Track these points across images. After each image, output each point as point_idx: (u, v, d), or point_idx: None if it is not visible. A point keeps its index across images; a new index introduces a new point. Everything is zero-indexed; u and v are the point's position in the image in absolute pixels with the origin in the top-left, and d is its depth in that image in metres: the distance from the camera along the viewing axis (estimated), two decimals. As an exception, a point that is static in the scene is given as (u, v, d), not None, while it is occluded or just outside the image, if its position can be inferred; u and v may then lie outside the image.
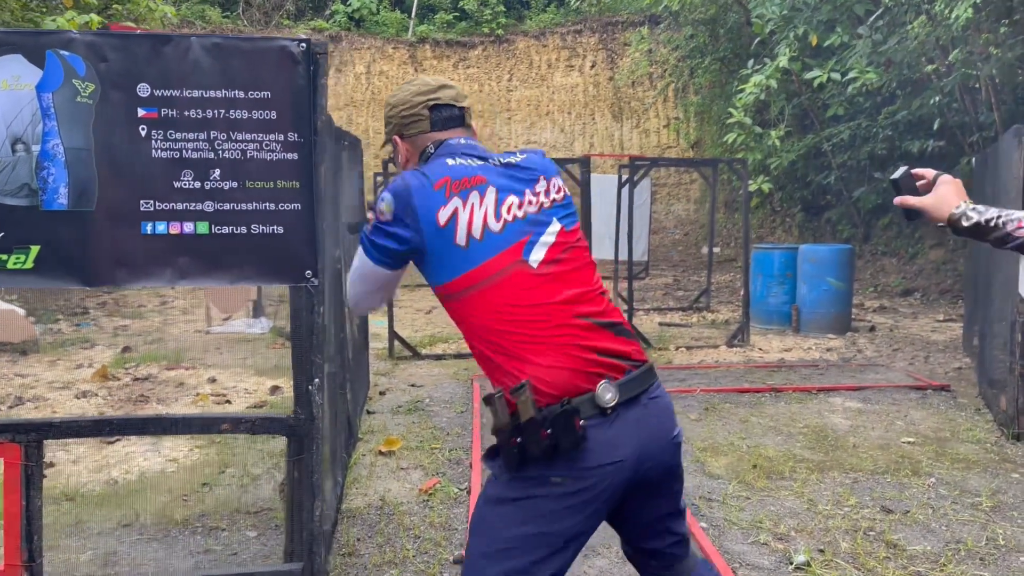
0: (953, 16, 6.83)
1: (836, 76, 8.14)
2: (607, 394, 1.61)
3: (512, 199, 1.72)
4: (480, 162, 1.75)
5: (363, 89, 22.37)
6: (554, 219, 1.74)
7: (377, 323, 9.03)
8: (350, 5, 22.98)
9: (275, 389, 6.27)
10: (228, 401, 5.96)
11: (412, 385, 6.42)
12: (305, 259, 2.25)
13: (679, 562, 1.82)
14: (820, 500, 3.87)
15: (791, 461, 4.44)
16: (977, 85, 9.87)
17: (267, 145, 2.07)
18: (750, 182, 9.36)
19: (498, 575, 1.60)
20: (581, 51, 23.24)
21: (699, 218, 21.42)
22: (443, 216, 1.66)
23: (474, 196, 1.68)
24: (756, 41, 9.27)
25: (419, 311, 10.46)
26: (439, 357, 7.46)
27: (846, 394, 5.95)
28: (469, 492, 3.97)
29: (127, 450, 4.73)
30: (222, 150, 2.04)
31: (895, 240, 12.90)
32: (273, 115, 2.07)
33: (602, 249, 12.10)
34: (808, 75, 8.17)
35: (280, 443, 3.58)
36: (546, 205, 1.75)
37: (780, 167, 8.11)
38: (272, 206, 2.12)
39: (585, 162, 7.44)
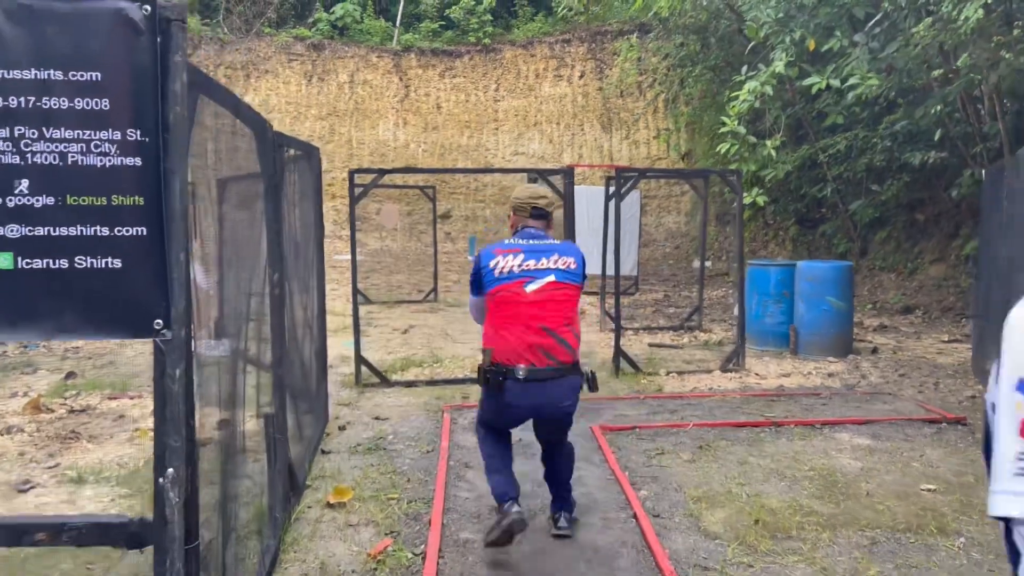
0: (962, 18, 6.36)
1: (836, 83, 7.64)
2: (519, 372, 3.24)
3: (530, 261, 3.34)
4: (524, 242, 3.41)
5: (346, 99, 21.82)
6: (551, 275, 3.32)
7: (345, 344, 8.44)
8: (333, 13, 22.48)
9: (223, 424, 5.66)
10: (169, 438, 5.35)
11: (377, 418, 5.83)
12: (152, 304, 1.67)
13: (554, 449, 3.57)
14: (836, 568, 3.31)
15: (798, 515, 3.88)
16: (980, 94, 9.40)
17: (97, 146, 1.50)
18: (744, 194, 8.85)
19: (481, 416, 3.59)
20: (569, 61, 22.79)
21: (690, 231, 20.94)
22: (492, 263, 3.38)
23: (510, 256, 3.37)
24: (750, 46, 8.79)
25: (395, 330, 9.88)
26: (410, 384, 6.87)
27: (854, 429, 5.40)
28: (424, 558, 3.38)
29: None
30: (31, 153, 1.47)
31: (893, 255, 12.41)
32: (105, 104, 1.50)
33: (589, 263, 11.57)
34: (806, 82, 7.69)
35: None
36: (550, 267, 3.33)
37: (776, 179, 7.65)
38: (105, 231, 1.54)
39: (569, 173, 6.89)
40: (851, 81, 7.42)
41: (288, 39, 21.86)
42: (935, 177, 10.98)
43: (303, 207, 6.22)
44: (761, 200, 8.03)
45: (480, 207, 22.04)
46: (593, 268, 11.43)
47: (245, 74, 21.56)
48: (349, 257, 13.04)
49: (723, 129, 8.34)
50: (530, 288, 3.27)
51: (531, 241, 3.39)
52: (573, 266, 3.36)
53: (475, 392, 6.24)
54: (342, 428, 5.57)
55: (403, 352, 8.42)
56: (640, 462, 4.76)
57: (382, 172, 6.69)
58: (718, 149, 8.66)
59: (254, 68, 21.65)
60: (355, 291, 6.89)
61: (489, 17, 22.50)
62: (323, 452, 5.02)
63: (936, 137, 9.48)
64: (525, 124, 22.36)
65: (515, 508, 3.27)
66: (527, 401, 3.28)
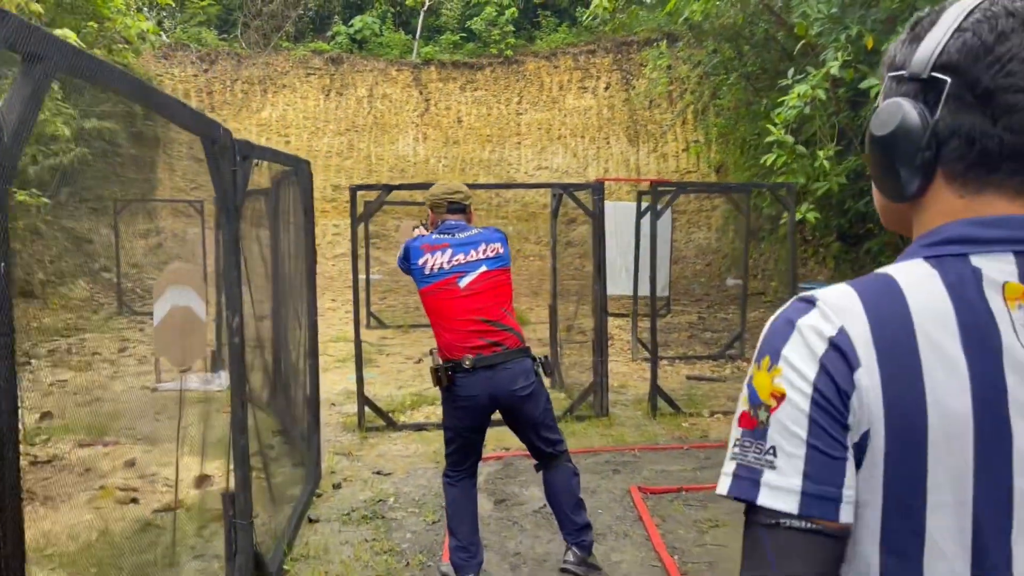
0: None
1: (898, 84, 6.81)
2: (466, 362, 3.26)
3: (460, 255, 3.36)
4: (450, 236, 3.42)
5: (365, 113, 21.23)
6: (483, 265, 3.37)
7: (351, 378, 7.68)
8: (352, 26, 21.95)
9: (202, 480, 4.92)
10: (135, 500, 4.61)
11: (378, 473, 5.05)
12: None
13: (548, 459, 3.50)
14: None
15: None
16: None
17: None
18: (809, 206, 7.98)
19: (446, 442, 3.52)
20: (594, 72, 22.05)
21: (721, 247, 20.03)
22: (420, 260, 3.39)
23: (438, 252, 3.37)
24: (799, 46, 7.96)
25: (408, 359, 9.11)
26: (420, 427, 6.08)
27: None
28: None
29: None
30: None
31: (949, 274, 11.43)
32: None
33: (619, 284, 10.75)
34: (864, 84, 6.86)
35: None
36: (479, 258, 3.37)
37: (829, 192, 6.88)
38: None
39: (599, 188, 6.10)
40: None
41: (306, 53, 21.35)
42: None
43: (290, 231, 5.48)
44: (812, 216, 7.22)
45: (502, 224, 21.31)
46: (623, 289, 10.62)
47: (262, 89, 21.07)
48: (363, 279, 12.34)
49: (769, 138, 7.52)
50: (463, 283, 3.32)
51: (457, 235, 3.41)
52: (501, 251, 3.42)
53: (492, 439, 5.48)
54: (337, 486, 4.79)
55: (415, 386, 7.64)
56: (690, 539, 3.92)
57: (387, 188, 5.94)
58: (763, 160, 7.83)
59: (271, 83, 21.15)
60: (357, 322, 6.13)
61: (511, 28, 21.84)
62: (310, 520, 4.24)
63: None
64: (548, 138, 21.63)
65: None
66: (479, 390, 3.27)
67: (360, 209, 6.20)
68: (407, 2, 22.55)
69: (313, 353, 4.80)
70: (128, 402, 7.13)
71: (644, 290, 10.45)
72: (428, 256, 3.35)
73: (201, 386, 7.65)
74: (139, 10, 15.69)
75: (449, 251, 3.34)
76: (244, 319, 6.05)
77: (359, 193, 6.12)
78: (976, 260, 0.78)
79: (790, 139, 7.43)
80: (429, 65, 21.68)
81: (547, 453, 3.45)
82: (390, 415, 6.21)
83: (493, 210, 21.37)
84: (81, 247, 15.22)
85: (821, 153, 7.23)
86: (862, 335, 0.76)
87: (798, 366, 0.77)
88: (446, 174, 20.71)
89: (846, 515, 0.76)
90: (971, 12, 0.78)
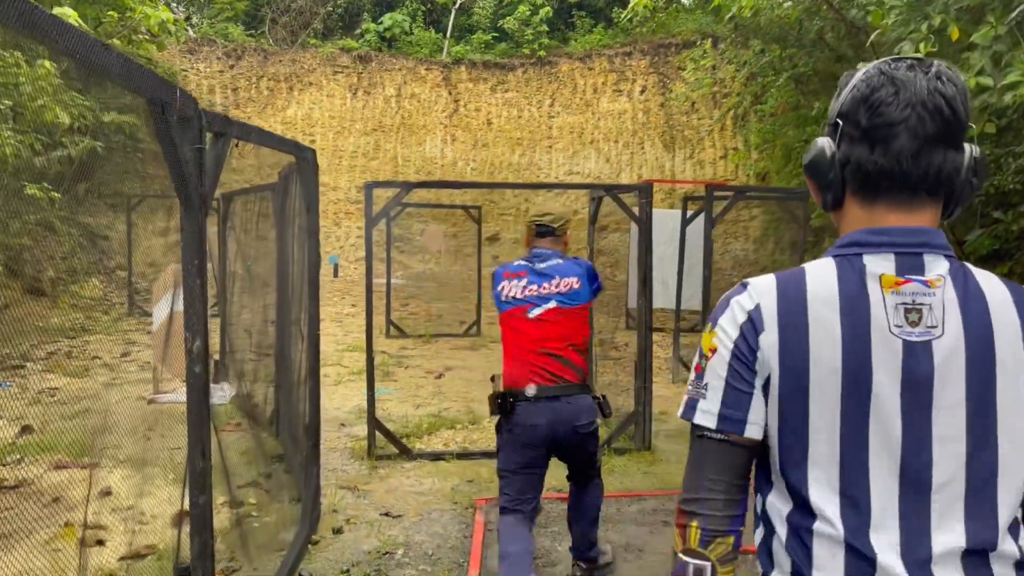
0: None
1: (987, 81, 6.00)
2: (529, 391, 3.18)
3: (533, 286, 3.32)
4: (529, 264, 3.38)
5: (392, 113, 20.64)
6: (553, 300, 3.29)
7: (380, 392, 7.02)
8: (382, 24, 21.40)
9: (183, 518, 4.22)
10: (101, 542, 3.94)
11: (387, 514, 4.33)
12: None
13: (583, 481, 3.44)
14: None
15: None
16: None
17: None
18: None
19: (502, 483, 3.26)
20: (630, 75, 21.28)
21: (759, 259, 19.14)
22: (499, 287, 3.39)
23: (515, 280, 3.35)
24: (872, 37, 7.16)
25: (429, 373, 8.40)
26: (437, 457, 5.36)
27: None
28: None
29: None
30: None
31: (1017, 294, 10.50)
32: None
33: (661, 297, 9.97)
34: (946, 79, 6.09)
35: None
36: (551, 292, 3.30)
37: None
38: None
39: (646, 190, 5.36)
40: (1011, 78, 5.79)
41: (334, 51, 20.82)
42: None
43: (290, 230, 4.81)
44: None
45: (531, 229, 20.62)
46: (663, 302, 9.83)
47: (288, 86, 20.56)
48: (385, 281, 11.67)
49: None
50: (532, 313, 3.31)
51: (537, 264, 3.38)
52: (576, 286, 3.35)
53: None
54: (338, 531, 4.08)
55: (433, 405, 6.92)
56: (766, 625, 3.15)
57: (407, 186, 5.24)
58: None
59: (297, 80, 20.65)
60: (369, 334, 5.43)
61: (545, 28, 21.16)
62: (301, 577, 3.53)
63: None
64: (581, 142, 20.89)
65: None
66: (540, 419, 3.19)
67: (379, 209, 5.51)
68: (438, 0, 21.96)
69: (314, 373, 4.10)
70: (119, 415, 6.50)
71: (684, 303, 9.67)
72: (506, 283, 3.38)
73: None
74: (166, 3, 15.24)
75: (525, 280, 3.35)
76: (226, 335, 5.36)
77: (375, 191, 5.42)
78: (866, 258, 1.12)
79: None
80: (459, 65, 21.04)
81: (592, 475, 3.49)
82: (404, 441, 5.50)
83: (521, 216, 20.65)
84: (96, 244, 14.74)
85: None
86: (770, 309, 1.13)
87: (727, 330, 1.16)
88: (474, 177, 20.04)
89: (750, 432, 1.14)
90: (863, 75, 1.15)
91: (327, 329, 11.45)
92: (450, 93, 21.02)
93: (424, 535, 4.04)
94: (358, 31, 21.68)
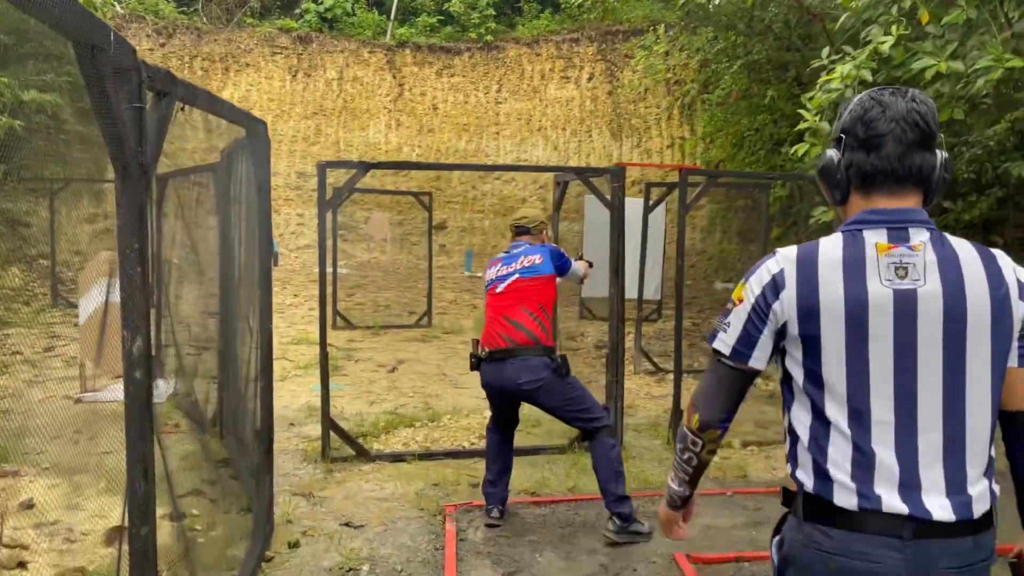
0: None
1: (958, 66, 5.89)
2: (483, 352, 3.84)
3: (503, 267, 3.93)
4: (505, 254, 4.01)
5: (334, 96, 19.96)
6: (516, 275, 3.87)
7: (313, 388, 6.59)
8: (322, 4, 20.67)
9: (116, 535, 3.79)
10: (23, 564, 3.48)
11: (347, 524, 3.96)
12: None
13: (588, 434, 3.80)
14: None
15: None
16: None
17: None
18: (824, 209, 7.04)
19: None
20: (578, 62, 21.04)
21: (707, 248, 19.17)
22: (485, 275, 4.05)
23: (493, 268, 4.01)
24: (845, 17, 6.99)
25: (381, 367, 8.00)
26: (397, 458, 5.00)
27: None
28: None
29: None
30: None
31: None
32: None
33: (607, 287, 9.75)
34: (916, 64, 5.97)
35: None
36: (515, 268, 3.89)
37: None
38: None
39: (619, 174, 5.08)
40: (982, 63, 5.69)
41: (272, 31, 20.03)
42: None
43: (235, 214, 4.38)
44: (830, 216, 6.31)
45: (478, 218, 20.22)
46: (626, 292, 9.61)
47: (224, 67, 19.71)
48: (331, 271, 11.16)
49: (802, 125, 6.58)
50: (500, 289, 3.87)
51: (511, 251, 3.98)
52: (538, 261, 3.87)
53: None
54: (293, 545, 3.70)
55: (389, 401, 6.54)
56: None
57: (364, 166, 4.85)
58: (792, 151, 6.88)
59: (234, 61, 19.80)
60: (323, 326, 5.03)
61: (492, 12, 20.75)
62: (255, 602, 3.14)
63: (1040, 144, 7.71)
64: (528, 129, 20.59)
65: (494, 513, 3.92)
66: (491, 378, 3.81)
67: (330, 193, 5.10)
68: (382, -19, 21.34)
69: (266, 372, 3.69)
70: (43, 416, 5.93)
71: (648, 293, 9.48)
72: (488, 271, 4.04)
73: (135, 397, 6.45)
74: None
75: (499, 264, 3.98)
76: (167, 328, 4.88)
77: (327, 172, 5.01)
78: (865, 232, 1.46)
79: (826, 126, 6.47)
80: (404, 48, 20.46)
81: (587, 430, 3.80)
82: (360, 442, 5.12)
83: (468, 204, 20.27)
84: (16, 230, 13.81)
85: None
86: (791, 272, 1.47)
87: (753, 287, 1.50)
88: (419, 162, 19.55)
89: (752, 363, 1.51)
90: (858, 101, 1.50)
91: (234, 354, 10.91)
92: (394, 77, 20.45)
93: (390, 547, 3.69)
94: (297, 11, 20.89)
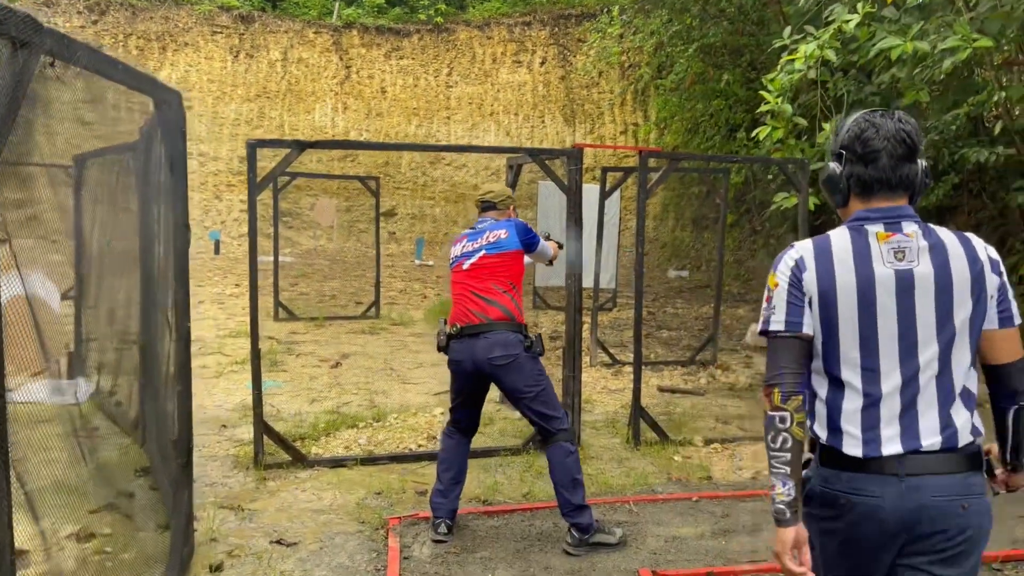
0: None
1: (924, 46, 5.69)
2: (453, 329, 3.65)
3: (469, 243, 3.78)
4: (470, 230, 3.84)
5: (278, 78, 19.24)
6: (483, 251, 3.72)
7: (247, 385, 6.13)
8: (265, -18, 19.88)
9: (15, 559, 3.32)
10: None
11: (278, 542, 3.57)
12: None
13: (546, 436, 3.60)
14: None
15: None
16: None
17: None
18: (785, 195, 6.82)
19: (452, 398, 3.80)
20: (530, 45, 20.65)
21: (659, 236, 19.02)
22: (450, 252, 3.88)
23: (458, 244, 3.84)
24: (805, 1, 6.76)
25: (323, 362, 7.56)
26: (338, 463, 4.60)
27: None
28: None
29: None
30: None
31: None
32: None
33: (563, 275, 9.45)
34: (881, 44, 5.75)
35: None
36: (481, 244, 3.74)
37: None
38: None
39: (576, 155, 4.74)
40: (949, 42, 5.50)
41: (212, 8, 19.19)
42: (996, 179, 9.19)
43: (155, 198, 3.94)
44: (811, 202, 6.11)
45: (429, 204, 19.75)
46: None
47: (161, 46, 18.83)
48: (272, 259, 10.64)
49: (763, 108, 6.33)
50: (466, 264, 3.75)
51: (476, 227, 3.84)
52: (504, 236, 3.74)
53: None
54: (216, 568, 3.29)
55: (331, 399, 6.13)
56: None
57: (298, 145, 4.43)
58: (754, 134, 6.63)
59: (171, 40, 18.93)
60: (255, 321, 4.60)
61: (442, -7, 20.22)
62: (166, 642, 2.74)
63: (996, 130, 7.61)
64: (480, 113, 20.16)
65: (441, 528, 3.61)
66: (462, 355, 3.63)
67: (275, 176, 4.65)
68: (327, -41, 20.60)
69: (183, 375, 3.27)
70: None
71: (603, 282, 9.18)
72: (453, 248, 3.87)
73: (51, 397, 5.92)
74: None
75: (465, 240, 3.82)
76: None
77: (260, 153, 4.57)
78: (867, 226, 1.75)
79: (789, 108, 6.23)
80: (351, 29, 19.81)
81: (544, 429, 3.61)
82: (298, 446, 4.71)
83: (419, 190, 19.78)
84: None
85: (828, 126, 6.08)
86: (809, 258, 1.76)
87: (783, 272, 1.78)
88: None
89: (805, 329, 1.75)
90: (853, 122, 1.78)
91: (207, 312, 10.35)
92: (341, 59, 19.79)
93: (326, 569, 3.31)
94: (239, -11, 20.06)
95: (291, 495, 4.15)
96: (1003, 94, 7.36)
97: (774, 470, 1.72)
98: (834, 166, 1.81)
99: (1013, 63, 7.34)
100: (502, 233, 3.74)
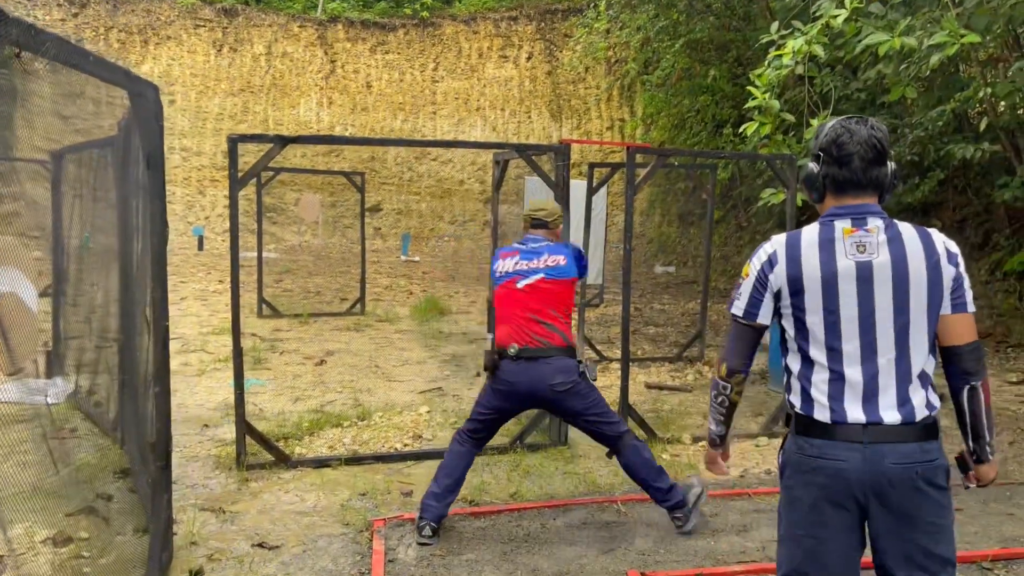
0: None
1: (912, 42, 5.67)
2: (511, 350, 3.58)
3: (523, 262, 3.74)
4: (522, 246, 3.81)
5: (262, 73, 19.08)
6: (541, 274, 3.69)
7: (251, 383, 6.08)
8: (249, -25, 19.70)
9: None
10: None
11: (260, 545, 3.50)
12: None
13: (614, 443, 3.67)
14: None
15: None
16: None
17: None
18: (772, 191, 6.79)
19: (473, 410, 3.75)
20: (516, 40, 20.57)
21: (646, 232, 19.03)
22: (496, 265, 3.83)
23: (509, 259, 3.78)
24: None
25: (308, 360, 7.48)
26: (322, 463, 4.54)
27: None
28: None
29: None
30: None
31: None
32: None
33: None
34: (868, 40, 5.73)
35: None
36: (540, 266, 3.71)
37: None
38: None
39: (564, 151, 4.68)
40: (936, 38, 5.48)
41: (194, 2, 18.99)
42: (980, 175, 9.21)
43: (134, 194, 3.86)
44: (799, 198, 6.07)
45: (414, 200, 19.65)
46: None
47: (143, 39, 18.61)
48: (256, 255, 10.53)
49: (750, 103, 6.30)
50: (522, 284, 3.70)
51: (529, 245, 3.80)
52: (563, 263, 3.73)
53: (422, 482, 4.14)
54: (196, 573, 3.22)
55: (315, 398, 6.06)
56: None
57: (280, 140, 4.34)
58: (741, 130, 6.60)
59: (153, 33, 18.71)
60: (236, 318, 4.52)
61: (427, -13, 20.10)
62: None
63: (982, 126, 7.62)
64: (466, 109, 20.07)
65: (426, 531, 3.54)
66: (519, 378, 3.58)
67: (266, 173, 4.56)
68: (312, -48, 20.43)
69: (162, 376, 3.19)
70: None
71: (590, 279, 9.13)
72: (501, 262, 3.82)
73: (25, 397, 5.81)
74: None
75: (517, 257, 3.78)
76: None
77: (243, 148, 4.49)
78: (836, 221, 1.96)
79: (776, 103, 6.20)
80: (336, 23, 19.65)
81: (609, 439, 3.68)
82: (281, 446, 4.64)
83: (404, 185, 19.67)
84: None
85: (815, 122, 6.05)
86: (780, 251, 1.98)
87: (755, 264, 2.01)
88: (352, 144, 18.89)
89: (760, 319, 2.03)
90: (831, 128, 1.98)
91: (190, 309, 10.23)
92: (326, 53, 19.64)
93: (309, 573, 3.24)
94: (222, -18, 19.86)
95: (274, 496, 4.08)
96: (988, 90, 7.37)
97: (713, 416, 2.18)
98: (812, 166, 2.03)
99: (999, 59, 7.35)
100: (561, 259, 3.72)
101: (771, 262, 1.98)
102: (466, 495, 4.10)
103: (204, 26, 19.04)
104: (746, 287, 2.04)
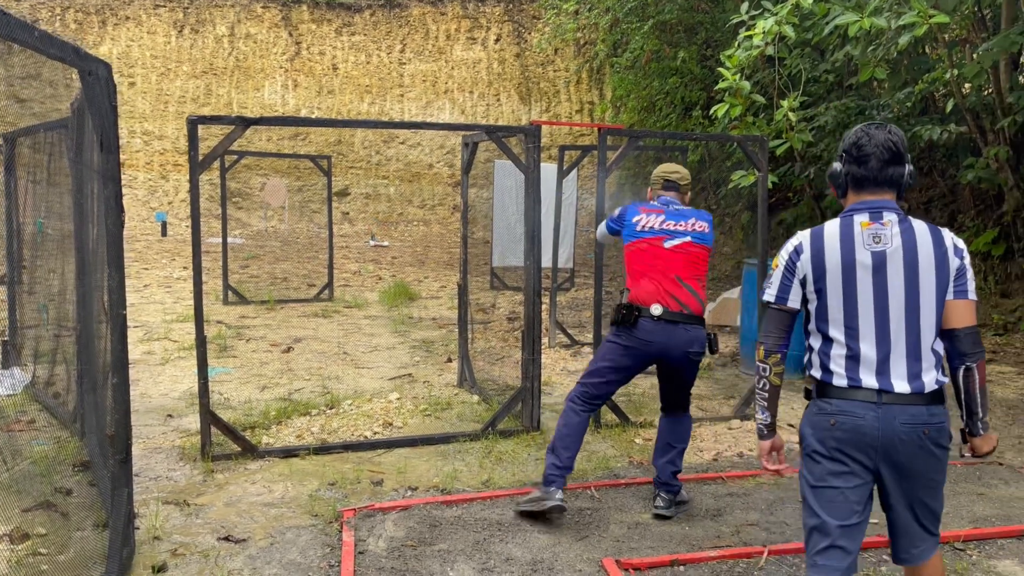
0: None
1: (881, 22, 5.65)
2: (656, 310, 3.56)
3: (670, 222, 3.67)
4: (665, 207, 3.73)
5: (225, 55, 18.67)
6: (688, 236, 3.66)
7: (216, 371, 5.96)
8: (210, -46, 19.20)
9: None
10: None
11: (226, 538, 3.40)
12: None
13: (675, 409, 3.79)
14: None
15: None
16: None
17: None
18: (743, 173, 6.78)
19: (593, 371, 3.72)
20: (484, 22, 20.36)
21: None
22: (635, 219, 3.71)
23: (653, 215, 3.68)
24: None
25: (274, 347, 7.34)
26: (289, 453, 4.44)
27: (1018, 550, 3.36)
28: None
29: None
30: None
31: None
32: None
33: (519, 255, 9.32)
34: (839, 20, 5.69)
35: None
36: (687, 229, 3.66)
37: (803, 149, 5.68)
38: None
39: (534, 133, 4.60)
40: (906, 19, 5.46)
41: (154, -19, 18.49)
42: (945, 157, 9.29)
43: (74, 174, 3.71)
44: (770, 180, 6.04)
45: (382, 184, 19.43)
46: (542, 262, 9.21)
47: (100, 20, 18.10)
48: (221, 241, 10.32)
49: (721, 84, 6.25)
50: (669, 244, 3.64)
51: (671, 207, 3.74)
52: (707, 229, 3.73)
53: (392, 471, 4.06)
54: (159, 569, 3.12)
55: (282, 386, 5.94)
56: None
57: (243, 122, 4.20)
58: (712, 112, 6.56)
59: (111, 14, 18.21)
60: (199, 305, 4.39)
61: (394, -33, 19.77)
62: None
63: (948, 108, 7.67)
64: (434, 91, 19.85)
65: (558, 495, 3.53)
66: (657, 338, 3.58)
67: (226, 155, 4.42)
68: (275, -69, 19.97)
69: (120, 367, 3.07)
70: None
71: (561, 261, 9.07)
72: (644, 216, 3.71)
73: (-17, 389, 5.64)
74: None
75: (663, 216, 3.69)
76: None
77: (203, 129, 4.34)
78: (855, 216, 2.22)
79: (747, 85, 6.17)
80: (300, 3, 19.27)
81: (686, 405, 3.83)
82: (247, 435, 4.53)
83: (372, 169, 19.43)
84: None
85: (785, 103, 6.02)
86: (806, 244, 2.25)
87: (783, 255, 2.30)
88: (318, 127, 18.57)
89: (790, 304, 2.28)
90: (854, 133, 2.25)
91: (154, 296, 10.01)
92: (291, 34, 19.28)
93: (276, 567, 3.16)
94: (183, -39, 19.35)
95: (240, 488, 3.98)
96: (955, 72, 7.41)
97: (758, 403, 2.34)
98: (836, 165, 2.29)
99: (965, 40, 7.39)
100: (705, 226, 3.72)
101: (798, 252, 2.25)
102: (437, 483, 4.03)
103: (164, 6, 18.57)
104: (776, 275, 2.29)
